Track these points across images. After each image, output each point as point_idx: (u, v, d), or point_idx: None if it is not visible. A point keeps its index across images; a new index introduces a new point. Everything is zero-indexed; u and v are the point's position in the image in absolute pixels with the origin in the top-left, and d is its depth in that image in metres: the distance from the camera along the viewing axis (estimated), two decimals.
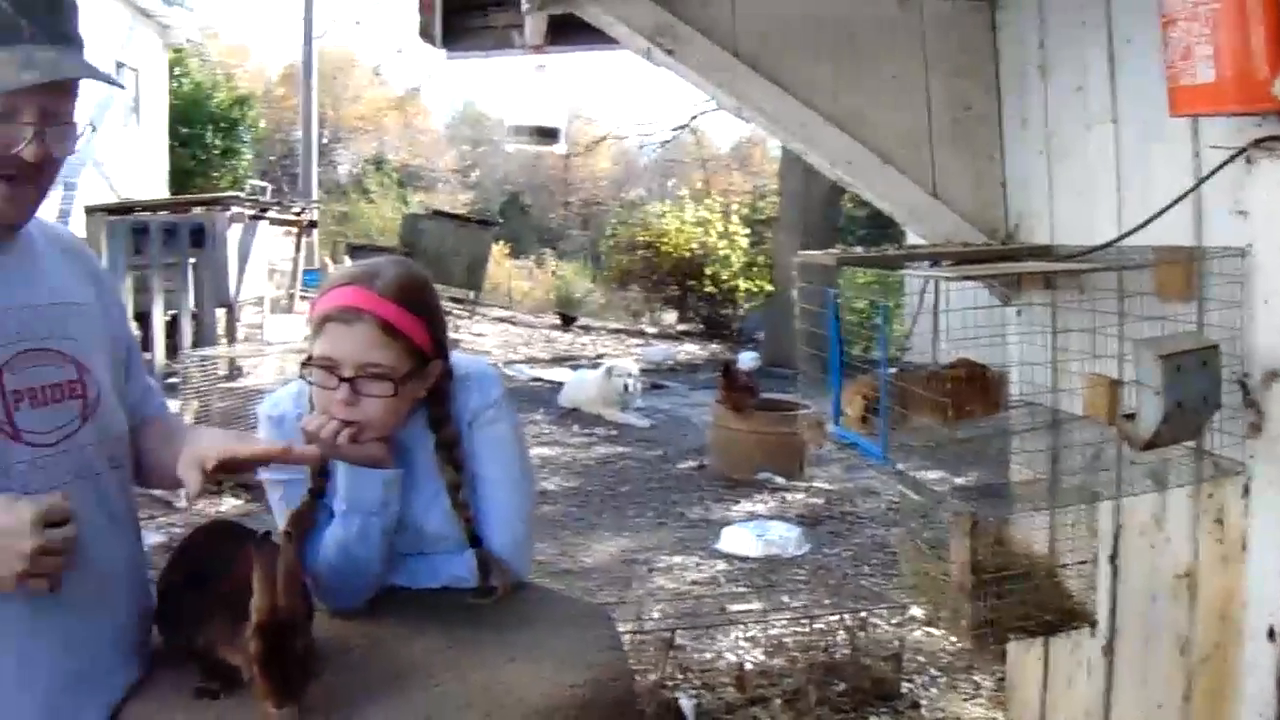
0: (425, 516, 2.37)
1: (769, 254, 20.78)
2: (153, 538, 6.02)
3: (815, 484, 9.01)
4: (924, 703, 4.67)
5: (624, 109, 66.74)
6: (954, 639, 4.67)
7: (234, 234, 13.46)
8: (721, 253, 21.76)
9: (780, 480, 8.98)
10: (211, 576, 2.00)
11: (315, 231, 20.04)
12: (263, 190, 22.48)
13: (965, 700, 4.71)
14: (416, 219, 24.22)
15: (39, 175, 1.86)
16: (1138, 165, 2.91)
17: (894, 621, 5.15)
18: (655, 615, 5.66)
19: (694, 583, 6.58)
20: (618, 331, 22.04)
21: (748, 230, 22.54)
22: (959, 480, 2.72)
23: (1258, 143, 2.39)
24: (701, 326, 22.28)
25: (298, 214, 17.42)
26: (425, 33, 4.31)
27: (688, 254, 22.11)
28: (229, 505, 7.78)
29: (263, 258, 14.89)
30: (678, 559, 7.07)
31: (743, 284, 21.66)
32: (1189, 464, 2.61)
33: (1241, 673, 2.57)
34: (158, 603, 2.15)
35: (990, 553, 2.96)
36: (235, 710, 1.89)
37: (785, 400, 9.62)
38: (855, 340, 3.05)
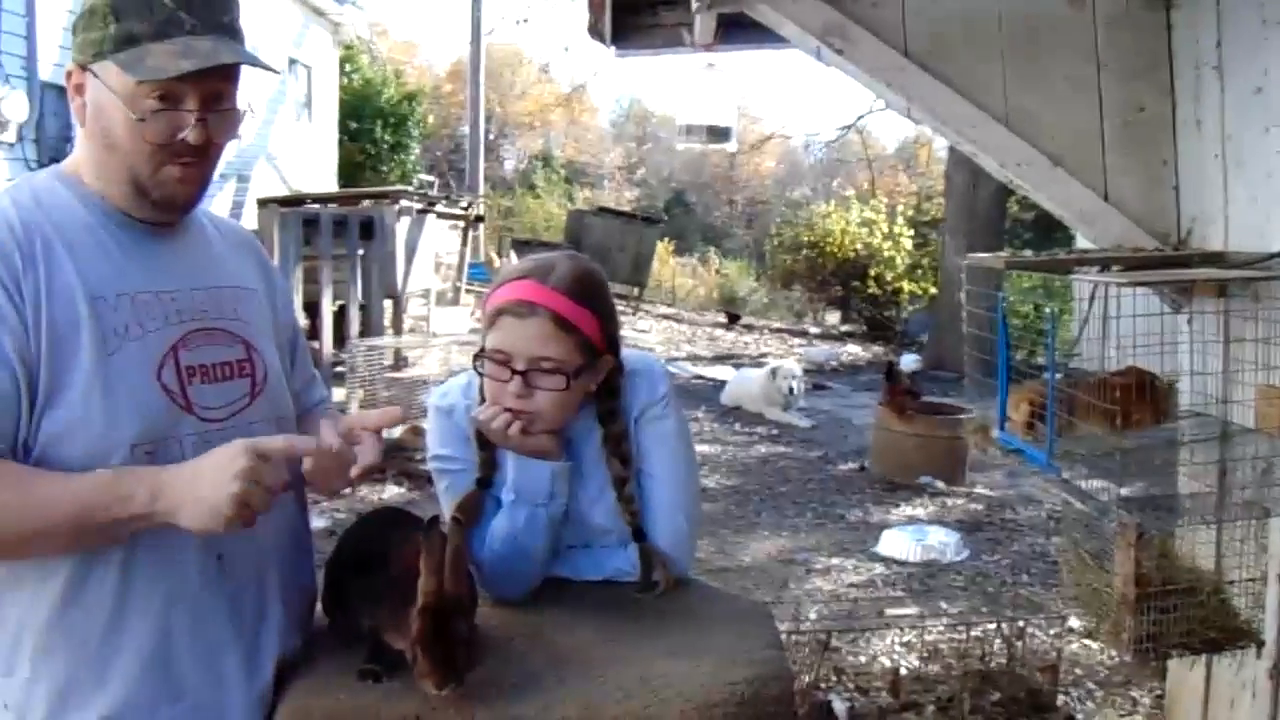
0: (591, 509, 2.39)
1: (933, 256, 20.56)
2: (317, 522, 6.20)
3: (976, 490, 8.88)
4: (1080, 716, 4.59)
5: (789, 108, 66.43)
6: (1113, 653, 4.58)
7: (402, 227, 13.68)
8: (886, 254, 21.53)
9: (941, 485, 8.88)
10: (379, 561, 2.05)
11: (481, 226, 20.35)
12: (430, 185, 22.84)
13: (1123, 716, 4.61)
14: (582, 215, 24.43)
15: (205, 159, 1.96)
16: None
17: (1052, 632, 5.05)
18: (811, 616, 5.65)
19: (851, 585, 6.55)
20: (781, 331, 21.96)
21: (912, 232, 22.27)
22: (1124, 490, 2.66)
23: None
24: (864, 328, 22.07)
25: (465, 208, 17.70)
26: (594, 30, 4.35)
27: (852, 255, 21.94)
28: (391, 493, 7.96)
29: (429, 251, 15.11)
30: (835, 561, 7.05)
31: (907, 286, 21.45)
32: None
33: None
34: (325, 585, 2.22)
35: (1155, 566, 2.89)
36: (398, 693, 1.93)
37: (947, 404, 9.52)
38: (1020, 345, 3.01)
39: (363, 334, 11.70)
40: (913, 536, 7.22)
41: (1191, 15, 3.38)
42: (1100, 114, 3.48)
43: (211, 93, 1.91)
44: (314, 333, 11.23)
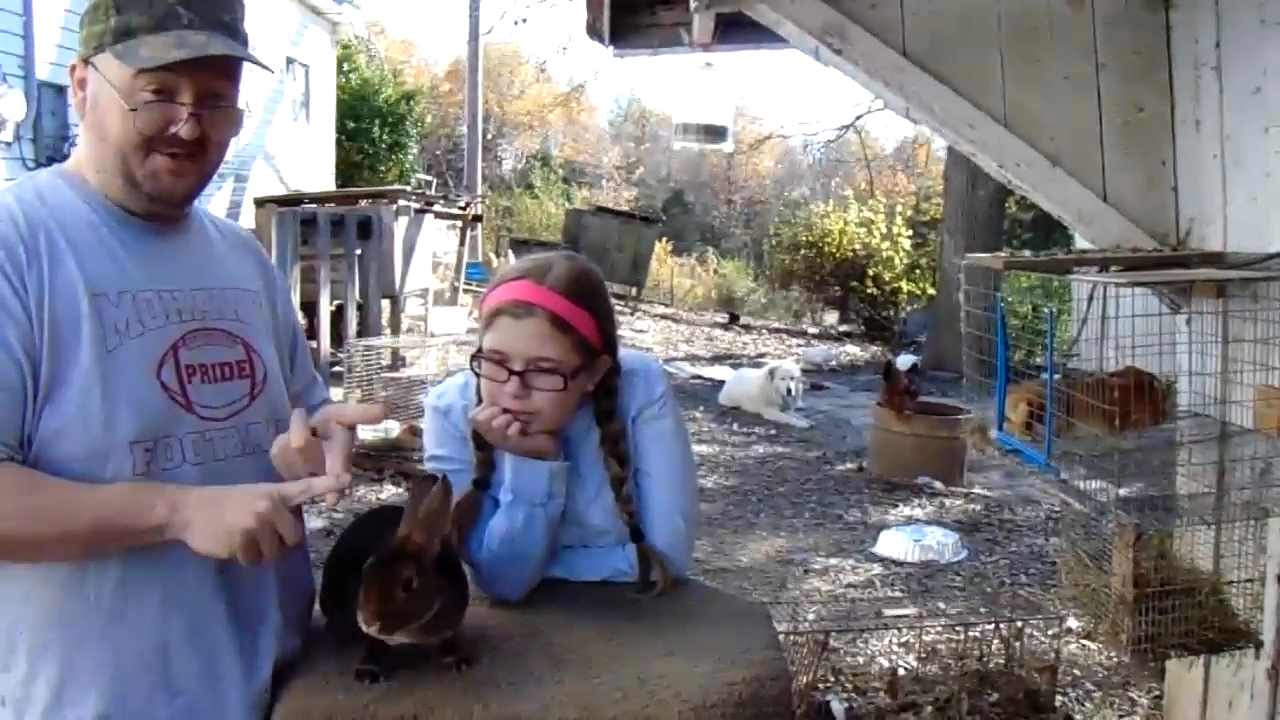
0: (588, 509, 2.40)
1: (932, 256, 20.56)
2: (315, 523, 6.19)
3: (974, 490, 8.88)
4: (1078, 717, 4.58)
5: (788, 107, 66.42)
6: (1112, 653, 4.58)
7: (400, 226, 13.65)
8: (884, 254, 21.53)
9: (939, 485, 8.88)
10: None
11: (479, 226, 20.34)
12: (428, 184, 22.82)
13: (1121, 717, 4.61)
14: (580, 214, 24.47)
15: (200, 155, 1.97)
16: None
17: (1050, 633, 5.04)
18: (809, 617, 5.64)
19: (849, 585, 6.55)
20: (779, 331, 21.95)
21: (910, 232, 22.27)
22: (1122, 491, 2.65)
23: None
24: (863, 328, 22.04)
25: (463, 208, 17.68)
26: (593, 30, 4.35)
27: (850, 255, 21.94)
28: (389, 493, 7.96)
29: (427, 250, 15.08)
30: (833, 561, 7.04)
31: (905, 286, 21.44)
32: None
33: None
34: (323, 585, 2.23)
35: (1153, 566, 2.89)
36: (395, 692, 1.93)
37: (946, 404, 9.53)
38: (1018, 345, 3.01)
39: (360, 334, 11.72)
40: (911, 537, 7.22)
41: (1190, 15, 3.38)
42: (1099, 114, 3.48)
43: (207, 89, 1.93)
44: (311, 332, 11.23)
